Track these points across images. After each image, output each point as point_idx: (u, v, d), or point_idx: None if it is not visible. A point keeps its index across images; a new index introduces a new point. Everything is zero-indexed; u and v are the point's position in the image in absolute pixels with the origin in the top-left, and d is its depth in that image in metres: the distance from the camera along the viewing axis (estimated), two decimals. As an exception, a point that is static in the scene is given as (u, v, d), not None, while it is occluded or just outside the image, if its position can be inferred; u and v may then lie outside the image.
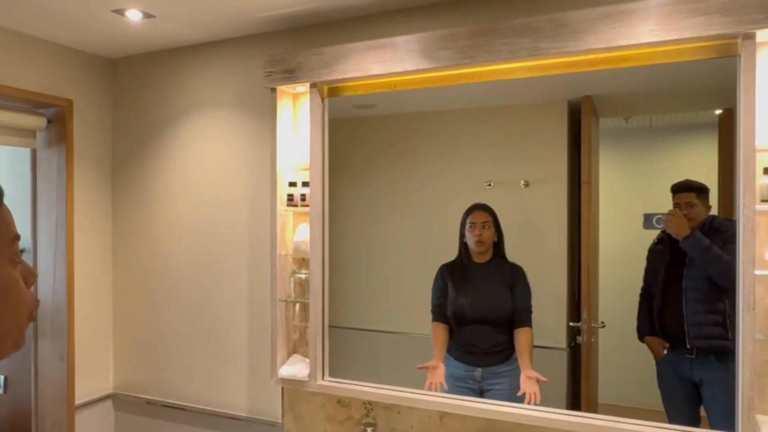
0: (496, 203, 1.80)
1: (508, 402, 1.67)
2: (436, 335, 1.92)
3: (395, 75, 1.72)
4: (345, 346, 1.94)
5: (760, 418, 1.38)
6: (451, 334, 1.96)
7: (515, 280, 1.90)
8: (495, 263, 1.92)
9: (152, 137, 2.32)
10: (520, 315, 1.87)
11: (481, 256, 1.93)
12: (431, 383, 1.85)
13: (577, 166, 1.67)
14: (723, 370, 1.47)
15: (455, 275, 1.96)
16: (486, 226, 1.91)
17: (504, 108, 1.81)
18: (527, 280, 1.84)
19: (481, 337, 1.92)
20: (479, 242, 1.91)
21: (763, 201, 1.38)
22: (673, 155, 1.59)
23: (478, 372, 1.85)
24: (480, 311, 1.94)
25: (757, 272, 1.35)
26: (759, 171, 1.37)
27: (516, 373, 1.77)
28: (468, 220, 1.93)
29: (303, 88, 1.89)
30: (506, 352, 1.87)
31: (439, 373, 1.87)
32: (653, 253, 1.58)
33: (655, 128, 1.62)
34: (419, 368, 1.87)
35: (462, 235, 1.93)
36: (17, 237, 0.68)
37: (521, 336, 1.86)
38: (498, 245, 1.93)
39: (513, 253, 1.81)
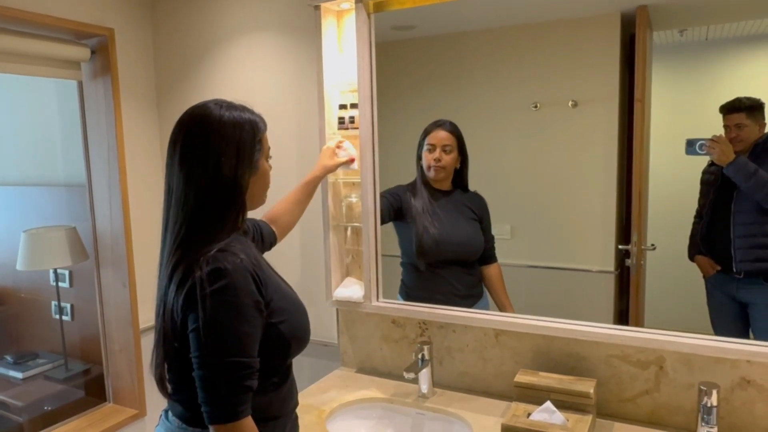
0: (543, 125, 1.71)
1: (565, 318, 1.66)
2: None
3: (446, -16, 1.63)
4: (392, 272, 1.94)
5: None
6: (413, 277, 1.73)
7: (483, 212, 1.69)
8: (459, 193, 1.68)
9: (195, 65, 2.29)
10: (490, 251, 1.70)
11: (439, 183, 1.68)
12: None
13: (628, 84, 1.57)
14: None
15: (416, 202, 1.66)
16: (447, 150, 1.65)
17: (552, 23, 1.69)
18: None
19: (457, 279, 1.71)
20: (438, 168, 1.64)
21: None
22: (729, 71, 1.48)
23: None
24: (452, 248, 1.72)
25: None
26: None
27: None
28: (426, 141, 1.67)
29: (348, 4, 1.82)
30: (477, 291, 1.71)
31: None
32: (706, 176, 1.52)
33: (711, 41, 1.51)
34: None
35: (419, 157, 1.70)
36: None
37: (495, 272, 1.69)
38: (460, 174, 1.66)
39: (559, 175, 1.72)
